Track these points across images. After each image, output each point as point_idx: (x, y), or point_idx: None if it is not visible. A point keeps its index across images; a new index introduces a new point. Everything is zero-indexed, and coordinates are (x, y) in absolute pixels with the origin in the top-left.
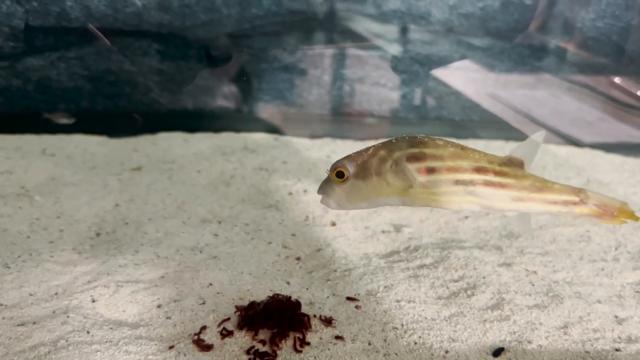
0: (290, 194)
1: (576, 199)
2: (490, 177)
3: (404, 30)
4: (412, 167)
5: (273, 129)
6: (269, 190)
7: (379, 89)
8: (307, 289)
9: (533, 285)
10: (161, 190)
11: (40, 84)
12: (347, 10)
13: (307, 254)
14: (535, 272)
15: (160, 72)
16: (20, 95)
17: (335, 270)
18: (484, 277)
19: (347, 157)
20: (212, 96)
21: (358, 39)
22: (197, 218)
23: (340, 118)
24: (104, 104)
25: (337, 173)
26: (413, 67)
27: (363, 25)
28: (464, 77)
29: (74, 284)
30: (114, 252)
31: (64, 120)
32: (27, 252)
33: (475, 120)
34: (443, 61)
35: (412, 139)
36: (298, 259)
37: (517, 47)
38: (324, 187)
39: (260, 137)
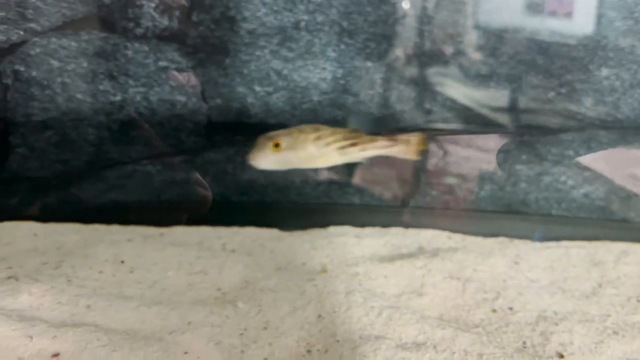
0: (494, 311)
1: (391, 143)
2: (340, 144)
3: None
4: (315, 144)
5: (441, 226)
6: (468, 305)
7: (558, 186)
8: None
9: None
10: (361, 301)
11: (217, 177)
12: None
13: None
14: None
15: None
16: (192, 189)
17: None
18: None
19: (280, 135)
20: (379, 191)
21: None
22: (409, 339)
23: (514, 216)
24: (275, 196)
25: (275, 144)
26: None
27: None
28: None
29: None
30: None
31: None
32: None
33: None
34: None
35: (315, 127)
36: None
37: None
38: (257, 154)
39: (432, 235)
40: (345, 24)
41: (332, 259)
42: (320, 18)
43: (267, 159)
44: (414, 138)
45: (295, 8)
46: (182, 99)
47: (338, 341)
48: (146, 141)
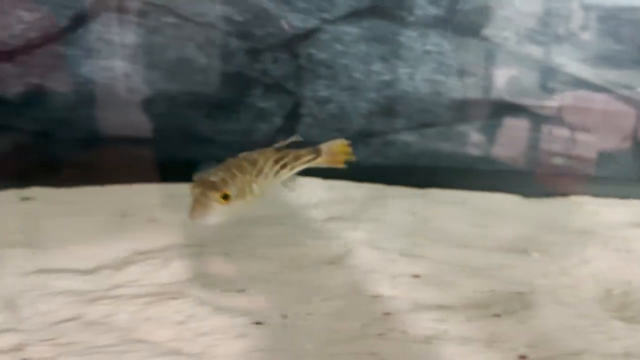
0: None
1: (315, 155)
2: (274, 170)
3: None
4: (257, 183)
5: None
6: None
7: None
8: None
9: None
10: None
11: (463, 146)
12: None
13: None
14: None
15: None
16: (441, 157)
17: None
18: None
19: (224, 183)
20: (613, 164)
21: None
22: None
23: None
24: (509, 165)
25: (224, 196)
26: None
27: None
28: None
29: None
30: None
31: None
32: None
33: None
34: None
35: (251, 159)
36: None
37: None
38: (203, 210)
39: None
40: (597, 11)
41: (586, 224)
42: (573, 5)
43: (215, 214)
44: (337, 147)
45: None
46: (442, 78)
47: (634, 287)
48: None
